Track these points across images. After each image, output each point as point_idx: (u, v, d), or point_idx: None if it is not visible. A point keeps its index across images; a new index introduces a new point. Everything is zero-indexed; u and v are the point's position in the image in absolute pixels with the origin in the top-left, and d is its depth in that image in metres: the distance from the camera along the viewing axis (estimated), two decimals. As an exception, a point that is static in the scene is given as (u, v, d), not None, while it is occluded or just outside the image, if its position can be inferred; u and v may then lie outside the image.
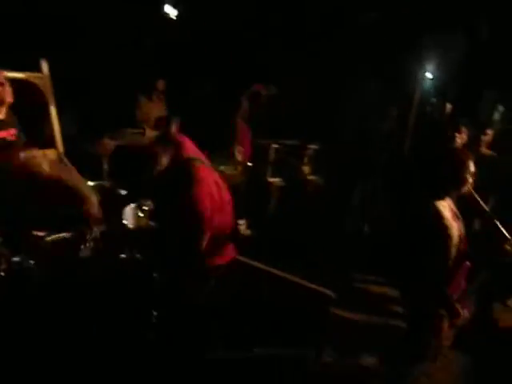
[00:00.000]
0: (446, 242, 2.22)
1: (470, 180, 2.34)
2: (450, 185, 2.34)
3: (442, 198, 2.32)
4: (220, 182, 2.29)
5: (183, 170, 2.11)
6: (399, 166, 5.10)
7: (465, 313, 2.24)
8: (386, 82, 6.30)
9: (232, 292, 2.69)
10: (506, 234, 2.81)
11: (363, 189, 4.60)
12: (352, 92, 6.11)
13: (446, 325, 2.32)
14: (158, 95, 5.50)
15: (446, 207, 2.31)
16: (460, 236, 2.31)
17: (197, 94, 6.33)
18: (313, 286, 3.09)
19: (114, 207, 2.72)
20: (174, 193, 2.12)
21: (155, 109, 5.31)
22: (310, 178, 4.82)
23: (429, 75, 6.56)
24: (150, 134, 3.01)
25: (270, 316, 2.94)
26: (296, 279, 3.21)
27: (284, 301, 2.95)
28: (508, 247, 2.42)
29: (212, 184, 2.17)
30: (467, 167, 2.32)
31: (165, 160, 2.11)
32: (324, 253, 4.86)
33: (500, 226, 2.69)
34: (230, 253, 2.46)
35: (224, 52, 6.65)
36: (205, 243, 2.11)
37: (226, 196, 2.31)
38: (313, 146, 4.61)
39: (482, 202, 3.26)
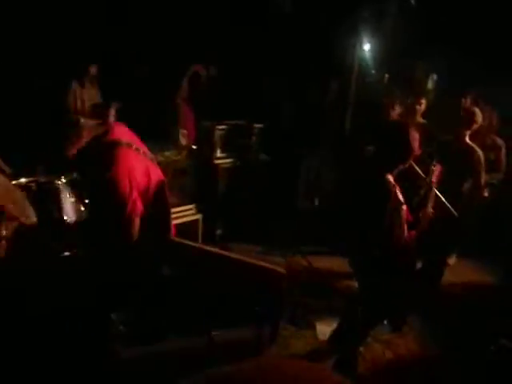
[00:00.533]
0: (400, 212, 2.34)
1: (416, 152, 2.45)
2: (398, 159, 2.44)
3: (391, 171, 2.42)
4: (152, 168, 2.35)
5: (103, 152, 2.18)
6: (343, 139, 5.22)
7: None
8: (325, 55, 6.35)
9: (182, 276, 2.67)
10: (444, 200, 2.97)
11: (310, 164, 4.66)
12: (291, 68, 6.13)
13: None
14: (91, 80, 5.20)
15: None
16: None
17: (134, 77, 6.05)
18: (265, 264, 3.13)
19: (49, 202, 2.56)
20: (94, 172, 2.23)
21: (88, 95, 5.03)
22: (258, 156, 4.81)
23: (367, 47, 6.68)
24: (85, 122, 2.85)
25: (223, 298, 2.96)
26: (247, 259, 3.24)
27: (236, 282, 2.97)
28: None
29: (136, 168, 2.21)
30: (413, 140, 2.42)
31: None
32: (277, 230, 4.95)
33: (438, 193, 2.84)
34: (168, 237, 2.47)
35: (161, 33, 6.38)
36: (133, 225, 2.17)
37: (159, 182, 2.35)
38: (259, 125, 4.59)
39: (420, 171, 3.42)
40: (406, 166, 2.53)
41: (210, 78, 5.83)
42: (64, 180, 2.71)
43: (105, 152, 2.18)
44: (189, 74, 4.78)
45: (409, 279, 2.58)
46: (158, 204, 2.34)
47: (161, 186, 2.38)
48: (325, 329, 3.25)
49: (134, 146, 2.29)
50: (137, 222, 2.20)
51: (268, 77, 6.07)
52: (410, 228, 2.46)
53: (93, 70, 5.14)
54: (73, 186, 2.66)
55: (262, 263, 3.26)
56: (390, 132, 2.56)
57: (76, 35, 5.51)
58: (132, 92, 5.38)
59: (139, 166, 2.24)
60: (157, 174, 2.37)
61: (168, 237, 2.56)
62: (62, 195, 2.69)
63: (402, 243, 2.38)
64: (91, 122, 4.11)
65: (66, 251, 2.45)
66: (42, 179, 2.89)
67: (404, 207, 2.38)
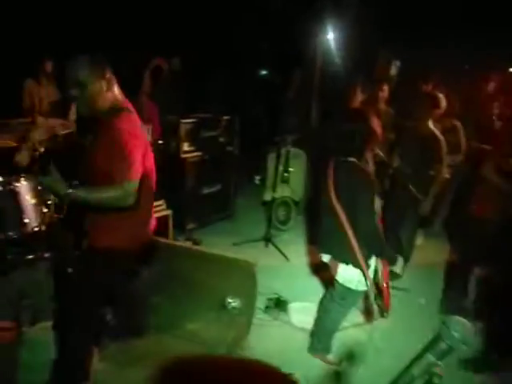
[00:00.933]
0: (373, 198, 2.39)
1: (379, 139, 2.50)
2: (364, 148, 2.48)
3: (359, 159, 2.45)
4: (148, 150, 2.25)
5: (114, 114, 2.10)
6: (308, 130, 5.27)
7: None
8: (289, 45, 6.38)
9: (155, 272, 2.64)
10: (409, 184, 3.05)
11: (277, 155, 4.67)
12: (255, 60, 6.12)
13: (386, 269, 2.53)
14: (48, 77, 5.01)
15: None
16: None
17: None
18: (234, 256, 3.15)
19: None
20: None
21: (46, 93, 4.84)
22: (226, 148, 4.78)
23: (330, 35, 6.72)
24: (42, 121, 2.75)
25: (196, 292, 2.96)
26: (217, 253, 3.24)
27: (208, 275, 2.97)
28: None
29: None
30: (377, 128, 2.46)
31: None
32: (247, 221, 4.96)
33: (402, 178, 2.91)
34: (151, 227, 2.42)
35: (121, 26, 6.21)
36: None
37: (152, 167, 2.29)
38: (225, 118, 4.54)
39: (384, 157, 3.48)
40: (371, 153, 2.57)
41: (172, 71, 5.73)
42: (24, 182, 2.62)
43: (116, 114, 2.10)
44: (150, 68, 4.67)
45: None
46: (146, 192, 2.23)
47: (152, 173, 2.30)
48: (300, 316, 3.30)
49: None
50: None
51: (231, 68, 6.05)
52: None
53: (48, 66, 4.93)
54: (34, 188, 2.57)
55: (233, 255, 3.28)
56: (352, 120, 2.59)
57: (29, 32, 5.30)
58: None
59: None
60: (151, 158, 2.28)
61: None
62: (22, 197, 2.60)
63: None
64: (51, 121, 3.99)
65: (27, 255, 2.38)
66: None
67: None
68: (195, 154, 4.50)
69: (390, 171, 3.82)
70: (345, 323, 3.17)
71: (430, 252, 4.37)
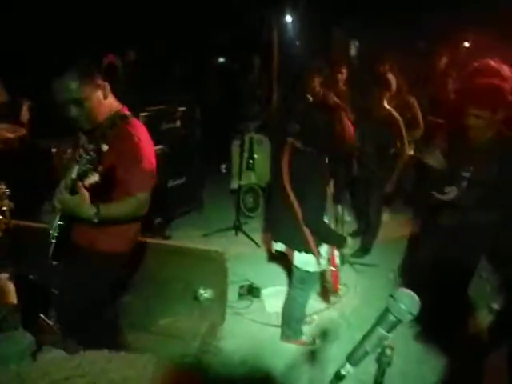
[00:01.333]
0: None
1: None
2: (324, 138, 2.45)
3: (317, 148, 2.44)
4: None
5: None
6: (270, 116, 5.25)
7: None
8: (245, 32, 6.32)
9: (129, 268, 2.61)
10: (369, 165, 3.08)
11: (241, 142, 4.65)
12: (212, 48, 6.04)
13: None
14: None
15: None
16: None
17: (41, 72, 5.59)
18: (204, 247, 3.15)
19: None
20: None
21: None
22: (188, 140, 4.71)
23: (286, 19, 6.69)
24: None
25: (167, 286, 2.96)
26: (186, 246, 3.23)
27: (178, 269, 2.96)
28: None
29: None
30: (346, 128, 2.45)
31: None
32: (215, 211, 4.94)
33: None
34: None
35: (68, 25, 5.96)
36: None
37: None
38: (182, 108, 4.47)
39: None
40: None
41: (128, 64, 5.59)
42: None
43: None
44: (102, 68, 4.52)
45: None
46: None
47: None
48: (273, 301, 3.34)
49: None
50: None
51: (187, 56, 5.93)
52: None
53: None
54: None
55: (202, 247, 3.28)
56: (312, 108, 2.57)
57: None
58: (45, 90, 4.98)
59: None
60: None
61: None
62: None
63: None
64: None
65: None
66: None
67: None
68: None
69: (356, 153, 3.88)
70: (315, 304, 3.25)
71: (395, 227, 4.49)
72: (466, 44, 5.95)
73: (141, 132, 2.01)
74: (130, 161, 1.92)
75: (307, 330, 3.00)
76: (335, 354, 2.77)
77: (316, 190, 2.32)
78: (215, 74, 6.48)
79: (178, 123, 4.39)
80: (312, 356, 2.80)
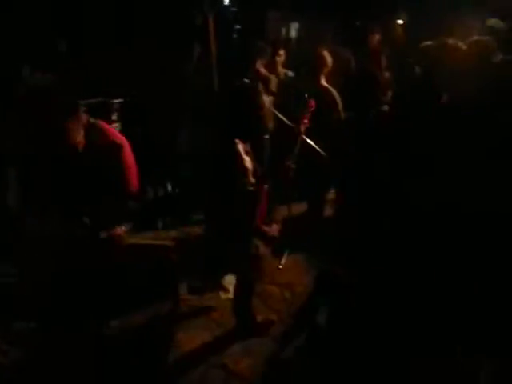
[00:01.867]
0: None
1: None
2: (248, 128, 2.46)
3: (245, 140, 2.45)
4: None
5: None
6: (212, 104, 5.16)
7: (273, 229, 2.53)
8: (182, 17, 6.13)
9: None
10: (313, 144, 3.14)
11: (193, 133, 4.59)
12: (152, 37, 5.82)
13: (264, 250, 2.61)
14: None
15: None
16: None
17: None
18: (151, 242, 3.12)
19: None
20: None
21: None
22: (124, 133, 4.56)
23: (226, 1, 6.54)
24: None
25: (123, 282, 2.90)
26: (134, 242, 3.17)
27: (127, 265, 2.91)
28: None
29: None
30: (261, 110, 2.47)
31: None
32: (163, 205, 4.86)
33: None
34: None
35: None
36: None
37: None
38: (118, 100, 4.30)
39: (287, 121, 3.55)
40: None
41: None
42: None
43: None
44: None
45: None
46: None
47: None
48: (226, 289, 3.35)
49: None
50: None
51: (126, 47, 5.69)
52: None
53: None
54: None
55: (150, 241, 3.24)
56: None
57: None
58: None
59: None
60: None
61: None
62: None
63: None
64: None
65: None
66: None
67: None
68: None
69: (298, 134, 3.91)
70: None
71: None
72: (400, 21, 6.15)
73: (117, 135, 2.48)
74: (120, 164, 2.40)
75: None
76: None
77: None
78: (155, 64, 6.25)
79: (114, 117, 4.22)
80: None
